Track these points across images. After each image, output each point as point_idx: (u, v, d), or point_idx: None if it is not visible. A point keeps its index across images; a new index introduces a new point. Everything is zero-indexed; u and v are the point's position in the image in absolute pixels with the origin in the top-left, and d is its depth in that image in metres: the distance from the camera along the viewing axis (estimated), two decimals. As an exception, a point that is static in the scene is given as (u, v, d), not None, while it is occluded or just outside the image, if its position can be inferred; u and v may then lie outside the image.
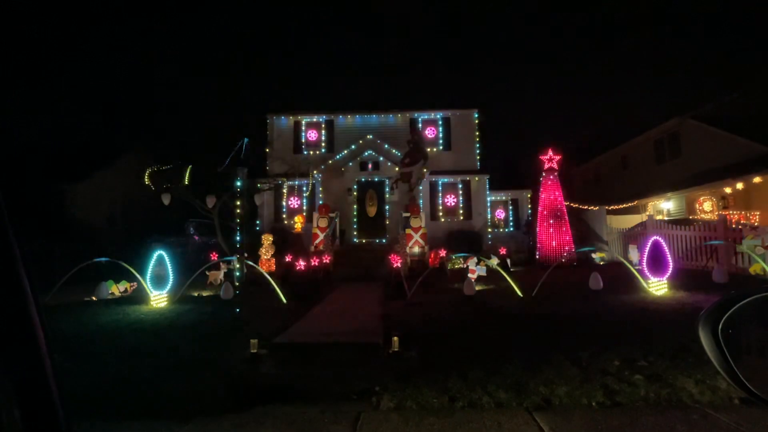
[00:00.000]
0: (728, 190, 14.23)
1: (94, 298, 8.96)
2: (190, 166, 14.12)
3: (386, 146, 16.44)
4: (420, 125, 17.58)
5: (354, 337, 5.38)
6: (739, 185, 13.38)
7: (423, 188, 16.32)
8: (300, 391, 4.01)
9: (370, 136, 16.65)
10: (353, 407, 3.54)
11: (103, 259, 9.41)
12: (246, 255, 9.52)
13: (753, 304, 0.88)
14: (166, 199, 13.18)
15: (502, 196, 17.57)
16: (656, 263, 8.09)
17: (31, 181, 16.51)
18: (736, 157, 14.45)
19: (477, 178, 16.95)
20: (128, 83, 50.49)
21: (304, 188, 17.09)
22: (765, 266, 8.90)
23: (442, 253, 12.48)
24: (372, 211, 16.35)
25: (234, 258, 10.78)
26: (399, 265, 10.10)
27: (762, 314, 0.90)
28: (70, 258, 9.79)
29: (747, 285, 8.33)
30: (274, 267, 13.12)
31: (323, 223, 13.95)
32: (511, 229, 17.41)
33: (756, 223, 12.54)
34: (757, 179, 12.66)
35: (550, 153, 14.89)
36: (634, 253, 12.61)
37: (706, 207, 15.43)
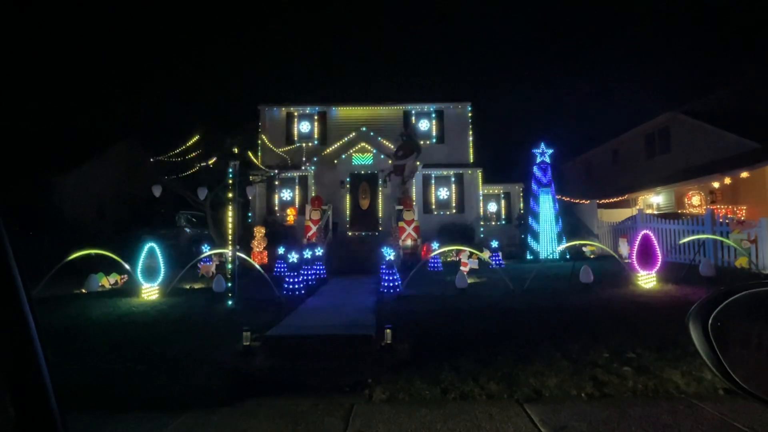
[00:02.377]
0: (716, 184, 14.42)
1: (84, 291, 8.87)
2: (181, 158, 13.96)
3: (379, 139, 16.38)
4: (413, 118, 17.52)
5: (346, 329, 5.40)
6: (727, 180, 13.56)
7: (416, 181, 16.32)
8: (293, 384, 4.02)
9: (363, 129, 16.56)
10: (346, 399, 3.57)
11: (93, 251, 9.31)
12: (238, 248, 9.47)
13: (743, 299, 0.90)
14: (156, 191, 13.03)
15: (494, 190, 17.64)
16: (646, 257, 8.20)
17: (18, 173, 16.22)
18: (724, 152, 14.63)
19: (470, 172, 16.98)
20: (117, 72, 49.65)
21: (297, 181, 17.00)
22: (751, 260, 9.07)
23: (434, 246, 12.53)
24: (365, 203, 16.33)
25: (226, 251, 10.70)
26: (392, 257, 10.12)
27: (751, 309, 0.92)
28: (59, 250, 9.66)
29: (733, 278, 8.49)
30: (266, 259, 13.07)
31: (316, 215, 13.91)
32: (503, 222, 17.51)
33: (743, 218, 12.74)
34: (744, 174, 12.84)
35: (543, 147, 14.95)
36: (624, 247, 12.77)
37: (695, 201, 15.63)
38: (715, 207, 13.57)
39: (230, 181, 8.21)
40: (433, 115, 17.66)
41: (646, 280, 8.12)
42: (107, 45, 52.93)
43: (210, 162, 13.80)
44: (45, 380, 0.69)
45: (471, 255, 10.64)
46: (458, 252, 11.52)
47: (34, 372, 0.69)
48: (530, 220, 14.99)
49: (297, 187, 17.07)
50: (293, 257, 9.60)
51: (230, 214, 8.02)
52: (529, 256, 14.42)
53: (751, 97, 16.40)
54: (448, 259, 13.00)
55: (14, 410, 0.65)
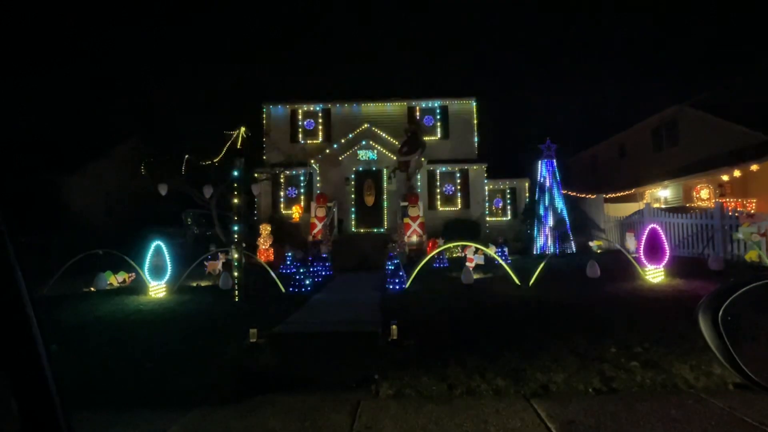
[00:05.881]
0: (725, 177, 14.25)
1: (92, 289, 8.96)
2: (186, 156, 14.02)
3: (384, 135, 16.35)
4: (418, 114, 17.46)
5: (353, 326, 5.41)
6: (736, 173, 13.39)
7: (421, 177, 16.28)
8: (299, 380, 4.04)
9: (367, 125, 16.53)
10: (353, 395, 3.57)
11: (101, 250, 9.40)
12: (244, 245, 9.53)
13: (752, 291, 0.89)
14: (163, 190, 13.11)
15: (500, 185, 17.55)
16: (653, 251, 8.12)
17: (26, 173, 16.38)
18: (733, 144, 14.44)
19: (475, 167, 16.90)
20: (122, 71, 49.88)
21: (302, 178, 17.02)
22: (761, 253, 8.95)
23: (440, 242, 12.50)
24: (370, 200, 16.32)
25: (232, 248, 10.76)
26: (397, 253, 10.12)
27: (760, 302, 0.91)
28: (68, 249, 9.76)
29: (743, 272, 8.39)
30: (272, 257, 13.13)
31: (321, 212, 13.92)
32: (509, 217, 17.43)
33: (752, 211, 12.58)
34: (754, 167, 12.67)
35: (548, 142, 14.84)
36: (631, 241, 12.67)
37: (703, 195, 15.46)
38: (724, 200, 13.42)
39: (235, 180, 8.24)
40: (438, 111, 17.59)
41: (654, 274, 8.05)
42: (113, 44, 53.17)
43: (215, 160, 13.84)
44: (48, 378, 0.70)
45: (477, 251, 10.60)
46: (464, 248, 11.48)
47: (37, 370, 0.69)
48: (536, 215, 14.90)
49: (302, 184, 17.09)
50: (299, 254, 9.62)
51: (236, 211, 8.04)
52: (535, 252, 14.35)
53: (760, 88, 16.16)
54: (454, 255, 12.97)
55: (18, 408, 0.66)
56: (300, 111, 17.74)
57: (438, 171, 16.91)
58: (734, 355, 0.86)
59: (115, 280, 9.75)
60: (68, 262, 8.88)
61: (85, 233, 13.81)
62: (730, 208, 11.26)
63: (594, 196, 17.17)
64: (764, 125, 13.74)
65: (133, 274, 9.83)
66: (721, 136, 15.10)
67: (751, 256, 9.16)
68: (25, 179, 16.11)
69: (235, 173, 8.14)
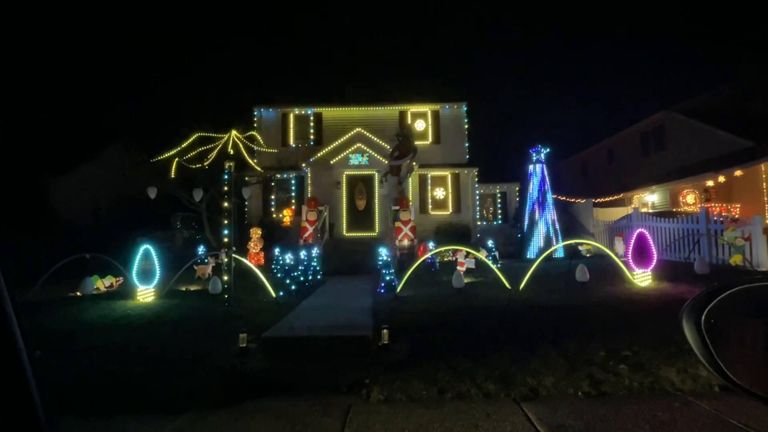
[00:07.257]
0: (710, 183, 14.52)
1: (78, 294, 8.81)
2: (176, 159, 13.89)
3: (375, 139, 16.38)
4: (409, 118, 17.52)
5: (343, 330, 5.39)
6: (721, 178, 13.66)
7: (412, 181, 16.33)
8: (290, 385, 4.01)
9: (359, 129, 16.54)
10: (343, 400, 3.56)
11: (87, 254, 9.25)
12: (234, 249, 9.46)
13: (735, 295, 0.90)
14: (151, 193, 12.96)
15: (490, 189, 17.67)
16: (641, 255, 8.24)
17: (12, 175, 16.09)
18: (718, 150, 14.72)
19: (466, 172, 16.99)
20: (112, 74, 49.37)
21: (293, 182, 16.97)
22: (745, 257, 9.12)
23: (431, 246, 12.52)
24: (361, 204, 16.32)
25: (221, 252, 10.67)
26: (388, 258, 10.11)
27: (743, 305, 0.92)
28: (55, 253, 9.59)
29: (728, 276, 8.53)
30: (263, 261, 13.04)
31: (312, 216, 13.88)
32: (500, 221, 17.55)
33: (737, 216, 12.82)
34: (738, 172, 12.93)
35: (538, 146, 15.00)
36: (619, 246, 12.82)
37: (689, 200, 15.73)
38: (709, 205, 13.66)
39: (225, 183, 8.19)
40: (429, 116, 17.67)
41: (642, 278, 8.16)
42: (102, 46, 52.66)
43: (205, 163, 13.74)
44: (31, 386, 0.68)
45: (467, 254, 10.64)
46: (455, 252, 11.52)
47: (20, 377, 0.68)
48: (526, 219, 15.03)
49: (293, 188, 17.03)
50: (290, 258, 9.58)
51: (226, 215, 7.99)
52: (525, 256, 14.46)
53: (745, 95, 16.51)
54: (445, 259, 13.00)
55: (0, 416, 0.65)
56: (291, 115, 17.70)
57: (429, 175, 16.97)
58: (717, 359, 0.88)
59: (102, 284, 9.60)
60: (54, 266, 8.72)
61: (72, 236, 13.57)
62: (715, 213, 11.46)
63: (583, 201, 17.37)
64: (749, 132, 14.03)
65: (121, 278, 9.70)
66: (708, 142, 15.38)
67: (736, 260, 9.33)
68: (12, 181, 15.82)
69: (226, 176, 8.09)
